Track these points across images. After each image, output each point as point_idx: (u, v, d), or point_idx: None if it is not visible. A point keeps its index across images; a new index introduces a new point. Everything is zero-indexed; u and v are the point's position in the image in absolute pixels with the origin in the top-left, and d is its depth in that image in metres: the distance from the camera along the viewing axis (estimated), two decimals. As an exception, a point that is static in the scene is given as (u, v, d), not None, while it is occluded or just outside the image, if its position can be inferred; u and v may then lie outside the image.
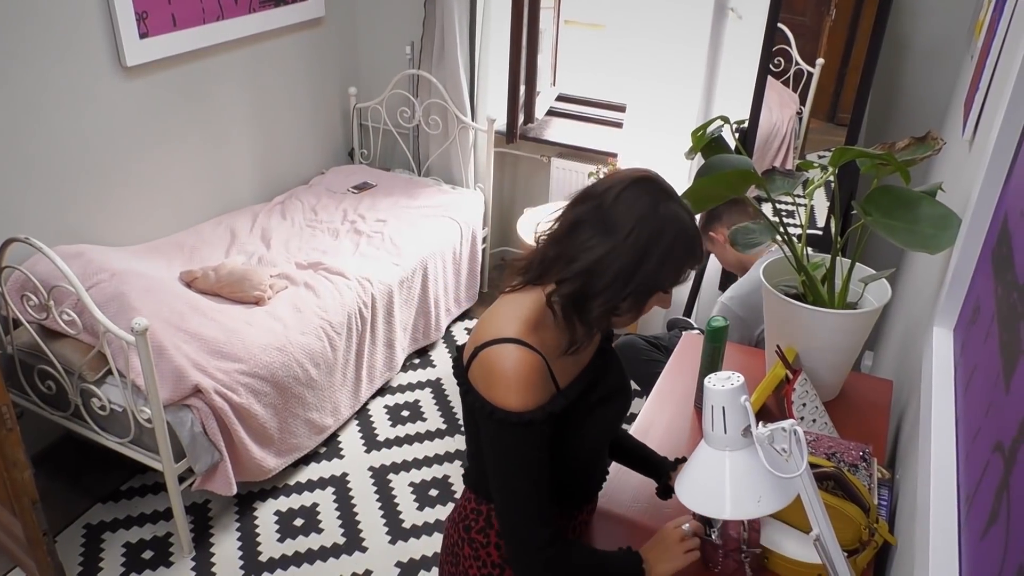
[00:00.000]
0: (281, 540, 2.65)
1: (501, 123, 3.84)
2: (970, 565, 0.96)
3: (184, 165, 3.28)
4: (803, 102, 3.18)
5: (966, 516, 1.04)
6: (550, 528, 1.25)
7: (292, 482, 2.89)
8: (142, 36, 2.90)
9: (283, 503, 2.80)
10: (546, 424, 1.22)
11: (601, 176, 3.44)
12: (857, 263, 1.77)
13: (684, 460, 1.56)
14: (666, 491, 1.58)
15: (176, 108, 3.17)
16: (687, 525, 1.38)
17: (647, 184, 1.21)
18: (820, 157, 3.17)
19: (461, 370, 1.29)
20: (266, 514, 2.75)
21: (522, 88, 3.77)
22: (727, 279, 3.24)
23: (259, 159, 3.67)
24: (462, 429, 3.15)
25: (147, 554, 2.57)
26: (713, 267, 3.32)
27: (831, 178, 1.70)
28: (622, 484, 1.63)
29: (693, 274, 1.22)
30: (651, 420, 1.83)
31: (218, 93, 3.35)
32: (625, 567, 1.33)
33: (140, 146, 3.05)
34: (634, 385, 3.15)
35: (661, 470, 1.57)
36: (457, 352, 1.34)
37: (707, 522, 1.45)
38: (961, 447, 1.19)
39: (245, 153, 3.59)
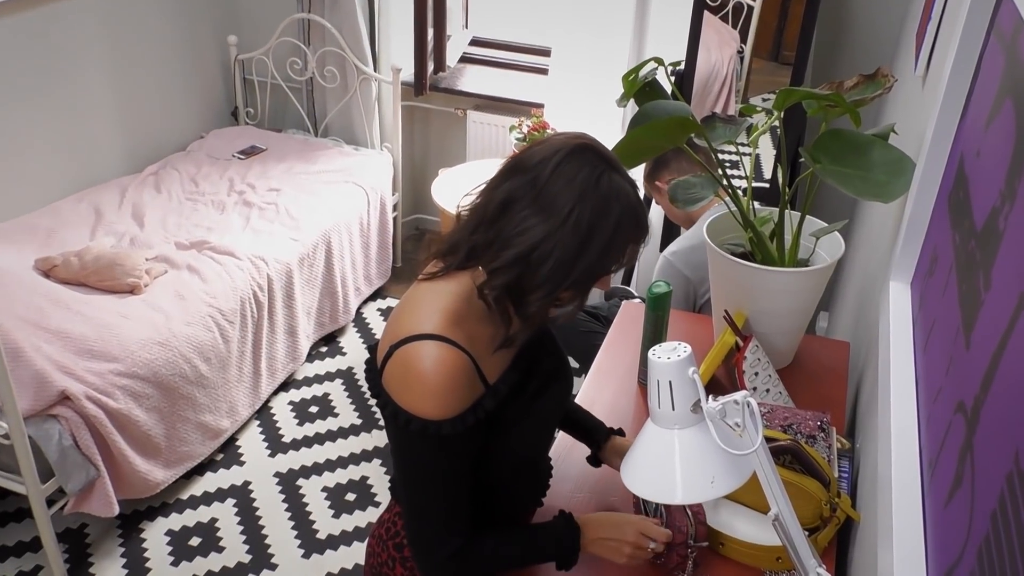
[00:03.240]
0: (175, 563, 2.60)
1: (408, 73, 3.79)
2: (935, 535, 1.00)
3: (31, 132, 3.14)
4: (744, 40, 3.23)
5: (929, 483, 1.09)
6: (461, 537, 1.26)
7: (185, 496, 2.83)
8: (-30, -21, 2.74)
9: (175, 521, 2.74)
10: (468, 435, 1.21)
11: (524, 130, 3.44)
12: (807, 216, 1.82)
13: (621, 432, 1.60)
14: (595, 460, 1.61)
15: (14, 64, 3.02)
16: (654, 545, 1.37)
17: (586, 154, 1.18)
18: (764, 100, 3.24)
19: (375, 373, 1.26)
20: (156, 535, 2.69)
21: (430, 32, 3.72)
22: (668, 241, 3.30)
23: (124, 123, 3.54)
24: (380, 423, 3.15)
25: (15, 591, 2.49)
26: (652, 230, 3.37)
27: (776, 123, 1.74)
28: (563, 473, 1.65)
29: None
30: (592, 399, 1.85)
31: (68, 45, 3.20)
32: (557, 541, 1.35)
33: (-24, 111, 2.90)
34: (573, 362, 3.22)
35: (593, 435, 1.59)
36: (370, 353, 1.31)
37: (647, 509, 1.48)
38: (922, 409, 1.24)
39: (107, 116, 3.46)
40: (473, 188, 1.26)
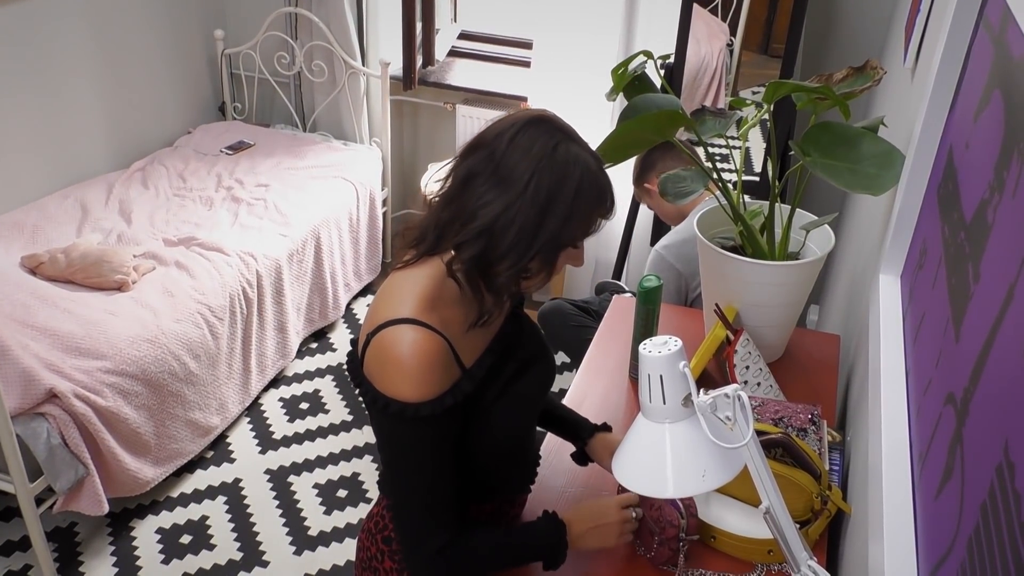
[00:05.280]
0: (166, 561, 2.60)
1: (396, 67, 3.78)
2: (925, 527, 1.01)
3: (15, 128, 3.12)
4: (733, 32, 3.24)
5: (919, 475, 1.09)
6: (449, 531, 1.27)
7: (175, 494, 2.83)
8: (-47, -27, 2.72)
9: (166, 519, 2.74)
10: (447, 418, 1.22)
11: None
12: (797, 209, 1.82)
13: (607, 427, 1.60)
14: (582, 457, 1.60)
15: None
16: (636, 512, 1.41)
17: (542, 125, 1.21)
18: (754, 93, 3.24)
19: (356, 364, 1.28)
20: (146, 533, 2.68)
21: (419, 26, 3.71)
22: (659, 236, 3.30)
23: (111, 119, 3.52)
24: (371, 421, 3.14)
25: (4, 591, 2.48)
26: (643, 224, 3.37)
27: (766, 116, 1.75)
28: (554, 468, 1.66)
29: (606, 224, 1.23)
30: (583, 393, 1.86)
31: (53, 39, 3.18)
32: (544, 540, 1.36)
33: (-40, 108, 2.89)
34: (563, 356, 3.22)
35: (579, 432, 1.59)
36: (352, 346, 1.33)
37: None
38: (912, 401, 1.25)
39: (93, 111, 3.43)
40: (437, 174, 1.28)
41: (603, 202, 1.24)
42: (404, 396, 1.19)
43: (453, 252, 1.22)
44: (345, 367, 1.33)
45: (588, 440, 1.58)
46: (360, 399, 3.19)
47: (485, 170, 1.19)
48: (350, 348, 1.32)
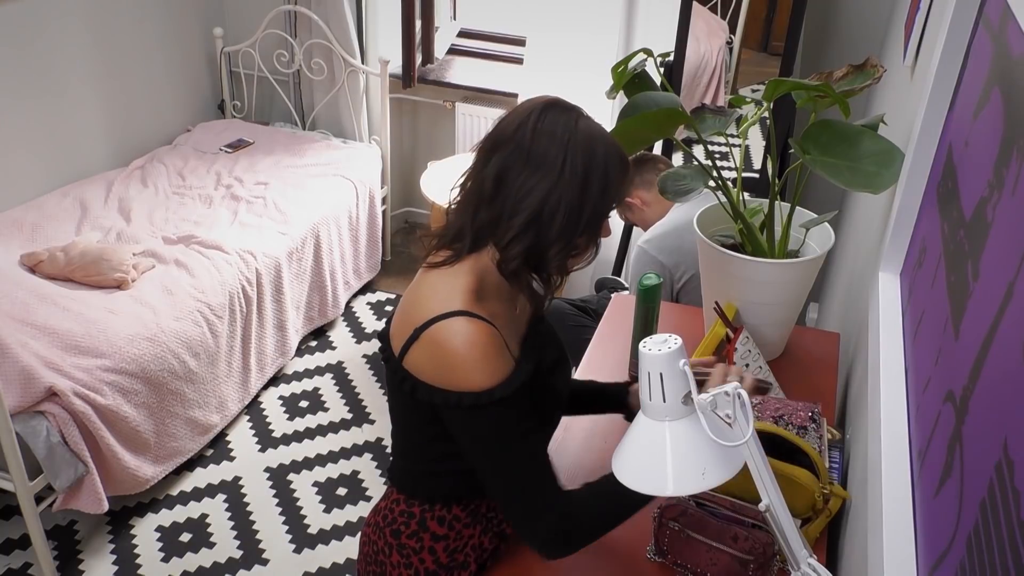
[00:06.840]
0: (166, 559, 2.60)
1: (396, 65, 3.78)
2: (925, 525, 1.01)
3: (14, 126, 3.12)
4: (733, 30, 3.24)
5: (919, 473, 1.10)
6: (561, 496, 1.27)
7: (175, 492, 2.83)
8: (-48, -29, 2.72)
9: (166, 517, 2.74)
10: (519, 396, 1.24)
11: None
12: (797, 207, 1.83)
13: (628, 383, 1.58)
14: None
15: None
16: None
17: (556, 107, 1.24)
18: (754, 91, 3.25)
19: (393, 357, 1.28)
20: (146, 531, 2.69)
21: (418, 23, 3.71)
22: (659, 232, 3.30)
23: (110, 116, 3.53)
24: (370, 418, 3.15)
25: (4, 589, 2.49)
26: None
27: (766, 114, 1.75)
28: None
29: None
30: (582, 393, 1.85)
31: (52, 36, 3.18)
32: None
33: (-41, 106, 2.89)
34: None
35: (620, 397, 1.57)
36: (382, 339, 1.33)
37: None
38: (912, 399, 1.25)
39: (92, 110, 3.44)
40: (457, 180, 1.30)
41: (626, 165, 1.28)
42: (474, 386, 1.21)
43: (502, 249, 1.23)
44: (381, 356, 1.35)
45: (627, 399, 1.55)
46: (366, 403, 3.19)
47: (516, 163, 1.21)
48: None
